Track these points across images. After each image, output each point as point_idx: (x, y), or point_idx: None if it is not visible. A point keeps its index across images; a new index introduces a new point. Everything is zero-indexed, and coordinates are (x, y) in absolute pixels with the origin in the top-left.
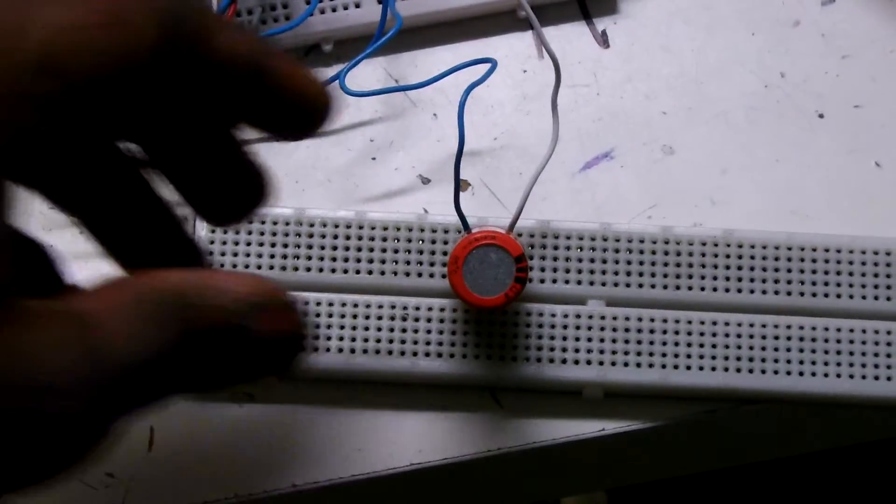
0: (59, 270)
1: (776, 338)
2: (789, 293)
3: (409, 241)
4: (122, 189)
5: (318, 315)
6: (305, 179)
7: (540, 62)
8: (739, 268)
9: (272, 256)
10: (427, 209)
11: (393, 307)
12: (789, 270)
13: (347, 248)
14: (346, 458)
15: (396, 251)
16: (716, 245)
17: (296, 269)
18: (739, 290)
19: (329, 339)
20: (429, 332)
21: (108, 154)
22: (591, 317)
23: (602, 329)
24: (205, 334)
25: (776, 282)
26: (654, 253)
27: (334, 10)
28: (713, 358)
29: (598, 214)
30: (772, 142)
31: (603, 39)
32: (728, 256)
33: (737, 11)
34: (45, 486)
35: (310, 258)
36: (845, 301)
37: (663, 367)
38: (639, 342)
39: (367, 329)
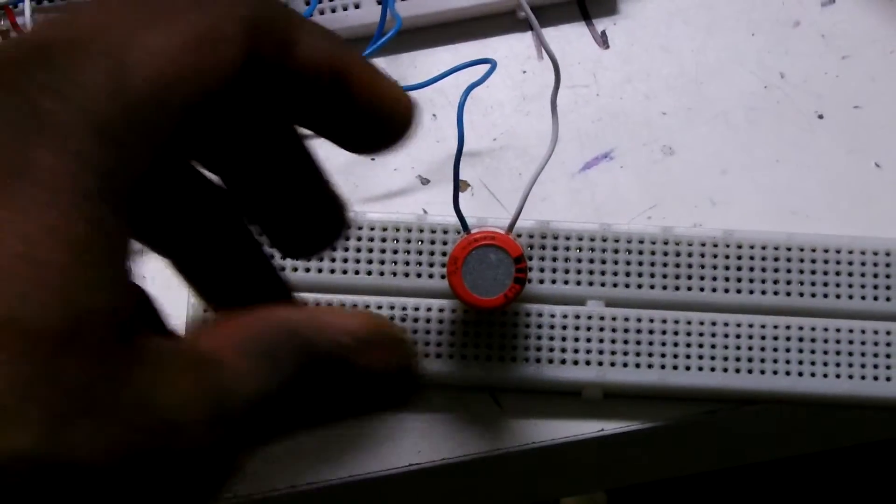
0: (160, 312)
1: (775, 338)
2: (789, 294)
3: (409, 241)
4: (213, 224)
5: None
6: None
7: (539, 63)
8: (739, 268)
9: (272, 257)
10: (426, 210)
11: (392, 308)
12: (789, 271)
13: (347, 249)
14: (345, 458)
15: (396, 252)
16: (715, 245)
17: (295, 269)
18: (739, 291)
19: None
20: (428, 332)
21: (196, 182)
22: (590, 317)
23: (601, 329)
24: (320, 370)
25: (776, 282)
26: (653, 253)
27: (334, 10)
28: (712, 358)
29: (598, 215)
30: (771, 142)
31: (602, 40)
32: (728, 257)
33: (737, 12)
34: None
35: (309, 259)
36: (845, 301)
37: (662, 367)
38: (638, 343)
39: None
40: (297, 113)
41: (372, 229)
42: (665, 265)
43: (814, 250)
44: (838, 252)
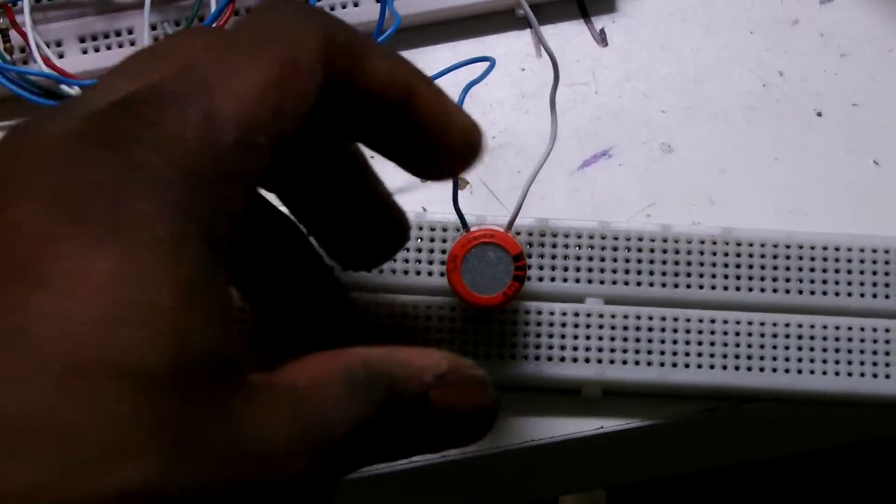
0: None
1: (775, 336)
2: (788, 291)
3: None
4: (282, 250)
5: None
6: None
7: (538, 61)
8: (738, 266)
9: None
10: (426, 208)
11: (391, 305)
12: (788, 269)
13: None
14: None
15: None
16: (714, 243)
17: None
18: (738, 289)
19: None
20: (427, 330)
21: (261, 207)
22: (589, 315)
23: (601, 327)
24: (403, 406)
25: (775, 280)
26: (652, 251)
27: (332, 8)
28: (712, 356)
29: (597, 213)
30: (770, 140)
31: (601, 38)
32: (727, 255)
33: (735, 10)
34: None
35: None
36: (844, 299)
37: (662, 365)
38: (637, 340)
39: None
40: (364, 134)
41: None
42: (664, 263)
43: (813, 248)
44: (837, 250)
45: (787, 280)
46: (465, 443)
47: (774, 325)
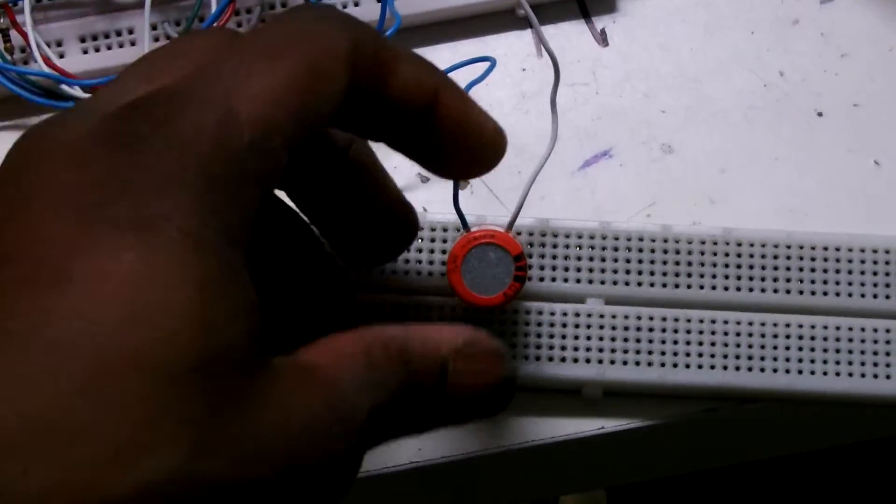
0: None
1: (775, 336)
2: (788, 291)
3: None
4: (295, 251)
5: None
6: None
7: (539, 61)
8: (739, 266)
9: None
10: (426, 208)
11: (391, 306)
12: (788, 269)
13: None
14: None
15: None
16: (715, 244)
17: None
18: (739, 289)
19: None
20: None
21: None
22: (590, 315)
23: (601, 327)
24: (424, 380)
25: (775, 280)
26: (653, 251)
27: None
28: (712, 356)
29: (597, 213)
30: (771, 140)
31: (602, 38)
32: (727, 255)
33: (736, 10)
34: None
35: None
36: (845, 299)
37: (662, 365)
38: (638, 340)
39: None
40: (386, 136)
41: None
42: (665, 263)
43: (813, 248)
44: (838, 250)
45: (788, 280)
46: (486, 414)
47: (775, 325)
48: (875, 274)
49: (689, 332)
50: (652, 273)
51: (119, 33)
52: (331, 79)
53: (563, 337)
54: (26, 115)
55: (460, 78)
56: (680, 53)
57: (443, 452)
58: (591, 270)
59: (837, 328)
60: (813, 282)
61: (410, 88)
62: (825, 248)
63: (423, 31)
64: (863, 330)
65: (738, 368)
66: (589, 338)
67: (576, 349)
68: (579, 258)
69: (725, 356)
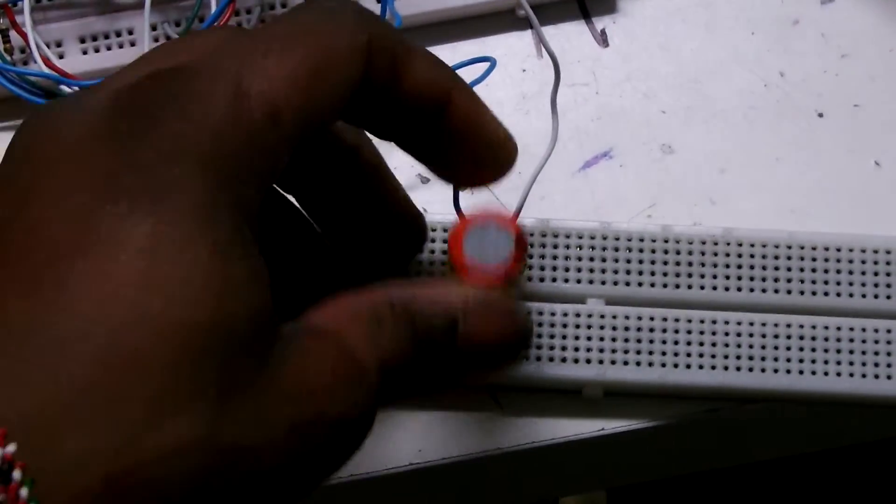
0: None
1: (776, 336)
2: (789, 292)
3: None
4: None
5: None
6: None
7: (539, 61)
8: (739, 266)
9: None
10: (426, 208)
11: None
12: (789, 269)
13: None
14: None
15: None
16: (716, 244)
17: None
18: (739, 289)
19: None
20: None
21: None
22: (590, 315)
23: (602, 328)
24: (433, 336)
25: (776, 280)
26: (653, 252)
27: None
28: (713, 356)
29: (598, 214)
30: (771, 141)
31: (602, 38)
32: (728, 255)
33: (736, 10)
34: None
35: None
36: (845, 299)
37: (663, 365)
38: (638, 341)
39: None
40: (397, 135)
41: None
42: (665, 263)
43: (814, 248)
44: (839, 250)
45: (789, 280)
46: (498, 369)
47: (776, 325)
48: (876, 274)
49: (689, 332)
50: (653, 273)
51: (119, 34)
52: (344, 68)
53: (564, 337)
54: (26, 116)
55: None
56: (680, 54)
57: (443, 454)
58: (591, 271)
59: (838, 328)
60: (814, 282)
61: (424, 87)
62: (826, 249)
63: (423, 31)
64: (863, 330)
65: (738, 369)
66: (589, 338)
67: (576, 349)
68: (580, 258)
69: (726, 356)
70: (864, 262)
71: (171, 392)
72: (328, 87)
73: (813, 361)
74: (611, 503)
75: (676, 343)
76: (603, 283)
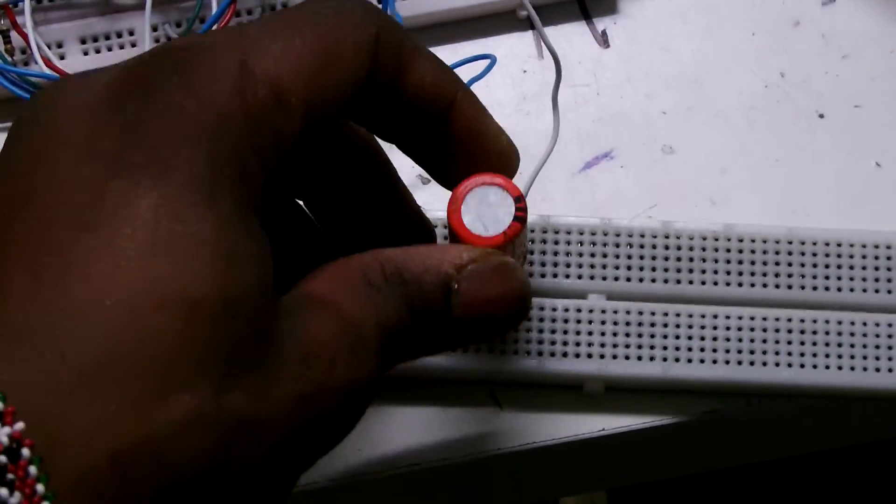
0: None
1: (777, 331)
2: (790, 286)
3: None
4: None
5: None
6: None
7: (540, 62)
8: (740, 262)
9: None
10: (426, 209)
11: None
12: (790, 264)
13: None
14: (346, 458)
15: None
16: (716, 239)
17: None
18: (740, 284)
19: None
20: None
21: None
22: (591, 311)
23: (603, 323)
24: (429, 298)
25: (777, 275)
26: (654, 247)
27: None
28: (714, 351)
29: (598, 214)
30: (771, 141)
31: (603, 39)
32: (728, 251)
33: (737, 11)
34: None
35: None
36: (846, 294)
37: (664, 360)
38: (640, 336)
39: None
40: (399, 136)
41: None
42: (666, 259)
43: (814, 243)
44: (839, 245)
45: (790, 275)
46: (499, 331)
47: (776, 320)
48: (876, 269)
49: (690, 327)
50: (653, 269)
51: (119, 35)
52: (351, 59)
53: (565, 332)
54: (34, 93)
55: (461, 77)
56: (681, 54)
57: (443, 455)
58: (592, 266)
59: (839, 323)
60: (814, 277)
61: (428, 87)
62: (826, 244)
63: (424, 32)
64: (864, 324)
65: (739, 363)
66: (591, 333)
67: (577, 345)
68: (581, 254)
69: (727, 351)
70: (864, 256)
71: (177, 366)
72: (335, 75)
73: (814, 355)
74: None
75: (677, 338)
76: (604, 278)
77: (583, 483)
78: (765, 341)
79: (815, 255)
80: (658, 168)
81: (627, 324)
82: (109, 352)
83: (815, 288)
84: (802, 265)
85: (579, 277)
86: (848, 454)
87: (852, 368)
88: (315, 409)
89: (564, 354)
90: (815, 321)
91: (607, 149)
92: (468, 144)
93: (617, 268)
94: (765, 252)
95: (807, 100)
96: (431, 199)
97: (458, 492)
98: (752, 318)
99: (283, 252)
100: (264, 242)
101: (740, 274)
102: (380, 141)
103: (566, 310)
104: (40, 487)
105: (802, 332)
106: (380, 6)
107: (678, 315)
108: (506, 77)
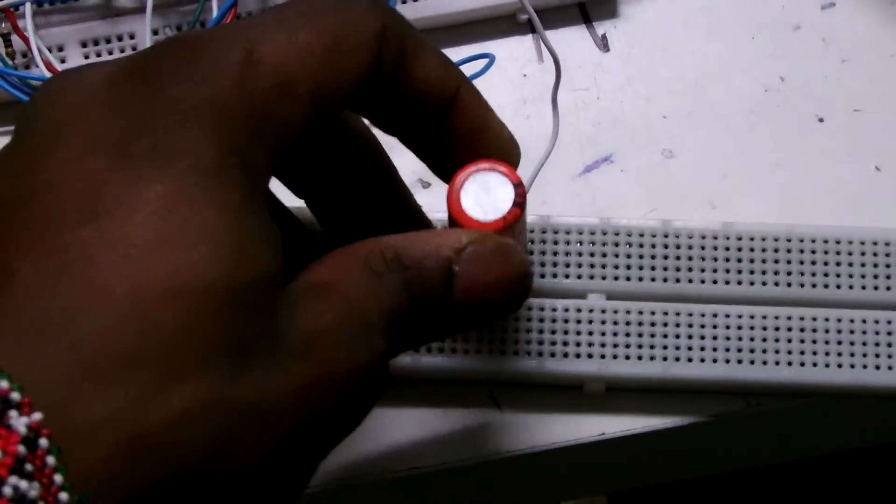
0: None
1: (777, 329)
2: (789, 284)
3: None
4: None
5: None
6: None
7: (540, 66)
8: (740, 260)
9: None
10: (426, 212)
11: None
12: (789, 262)
13: None
14: (345, 462)
15: None
16: (715, 238)
17: None
18: (739, 283)
19: None
20: None
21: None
22: (591, 311)
23: (603, 323)
24: (429, 283)
25: (776, 273)
26: (654, 246)
27: None
28: (714, 350)
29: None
30: (772, 145)
31: (603, 43)
32: (728, 249)
33: (737, 15)
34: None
35: None
36: (845, 291)
37: (665, 360)
38: (640, 335)
39: None
40: (402, 129)
41: None
42: (666, 258)
43: (814, 241)
44: (838, 243)
45: (789, 273)
46: (501, 314)
47: (776, 318)
48: (875, 266)
49: (690, 326)
50: (653, 268)
51: (120, 38)
52: (357, 51)
53: (565, 332)
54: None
55: None
56: (681, 58)
57: (442, 458)
58: (592, 266)
59: (839, 320)
60: (814, 274)
61: (432, 81)
62: (825, 241)
63: (424, 35)
64: (864, 322)
65: (740, 362)
66: (591, 333)
67: (578, 345)
68: (580, 254)
69: (728, 350)
70: (863, 254)
71: (185, 354)
72: (340, 67)
73: (814, 353)
74: None
75: (678, 337)
76: (603, 278)
77: (583, 485)
78: (765, 340)
79: (814, 252)
80: (658, 172)
81: (627, 323)
82: (115, 344)
83: (814, 285)
84: (802, 263)
85: (579, 277)
86: (850, 459)
87: (852, 366)
88: (324, 397)
89: (565, 355)
90: (814, 319)
91: (607, 152)
92: (469, 139)
93: (616, 267)
94: (764, 250)
95: (807, 104)
96: (432, 201)
97: (458, 495)
98: (752, 317)
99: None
100: (273, 232)
101: (740, 272)
102: (380, 139)
103: (566, 310)
104: (58, 478)
105: (802, 330)
106: None
107: (678, 314)
108: (506, 81)
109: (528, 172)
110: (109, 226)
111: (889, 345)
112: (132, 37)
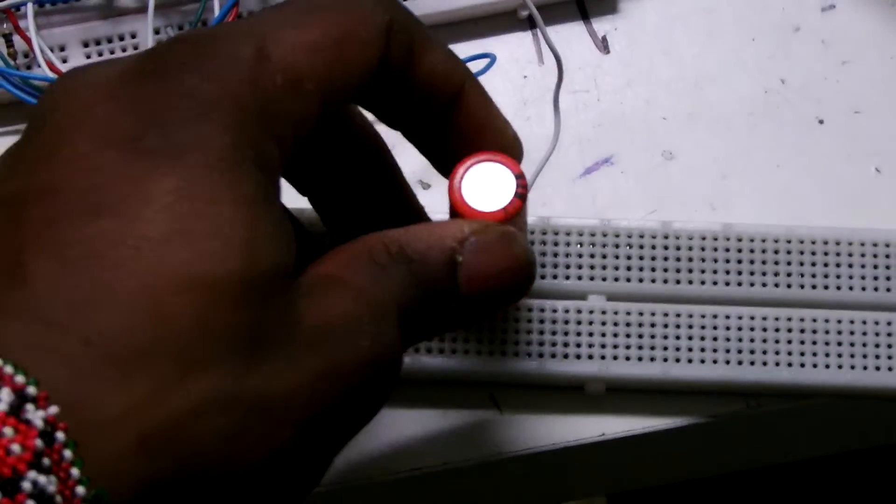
0: None
1: (777, 330)
2: (789, 286)
3: None
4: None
5: None
6: None
7: (540, 67)
8: (740, 261)
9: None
10: (428, 213)
11: None
12: (789, 263)
13: None
14: (345, 463)
15: None
16: (715, 239)
17: None
18: (740, 284)
19: None
20: None
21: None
22: (592, 312)
23: (603, 324)
24: (433, 274)
25: (776, 275)
26: (653, 248)
27: None
28: (715, 351)
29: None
30: (772, 147)
31: (603, 45)
32: (728, 250)
33: (737, 17)
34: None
35: None
36: (846, 293)
37: (665, 360)
38: (640, 336)
39: None
40: (406, 124)
41: None
42: (666, 259)
43: (814, 242)
44: (838, 244)
45: (789, 275)
46: (507, 301)
47: (776, 319)
48: (875, 267)
49: (691, 327)
50: (653, 269)
51: (122, 38)
52: (366, 45)
53: (566, 334)
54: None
55: None
56: (681, 60)
57: (443, 459)
58: (592, 267)
59: (839, 321)
60: (814, 276)
61: (438, 76)
62: (825, 243)
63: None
64: (864, 323)
65: (740, 363)
66: (591, 334)
67: (578, 346)
68: (580, 255)
69: (728, 351)
70: (863, 255)
71: (200, 347)
72: (349, 62)
73: (814, 354)
74: None
75: (678, 338)
76: (604, 279)
77: (583, 485)
78: (765, 341)
79: (814, 253)
80: (658, 173)
81: (628, 324)
82: (130, 337)
83: (814, 287)
84: (802, 264)
85: (579, 278)
86: (850, 460)
87: (852, 367)
88: (337, 389)
89: (565, 356)
90: (814, 320)
91: (607, 154)
92: (473, 135)
93: (616, 268)
94: (764, 251)
95: (807, 105)
96: (432, 202)
97: (458, 496)
98: (752, 318)
99: None
100: (286, 225)
101: (740, 273)
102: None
103: (566, 311)
104: (75, 471)
105: (802, 331)
106: None
107: (678, 315)
108: (506, 82)
109: (529, 174)
110: (123, 219)
111: (889, 346)
112: (134, 36)
